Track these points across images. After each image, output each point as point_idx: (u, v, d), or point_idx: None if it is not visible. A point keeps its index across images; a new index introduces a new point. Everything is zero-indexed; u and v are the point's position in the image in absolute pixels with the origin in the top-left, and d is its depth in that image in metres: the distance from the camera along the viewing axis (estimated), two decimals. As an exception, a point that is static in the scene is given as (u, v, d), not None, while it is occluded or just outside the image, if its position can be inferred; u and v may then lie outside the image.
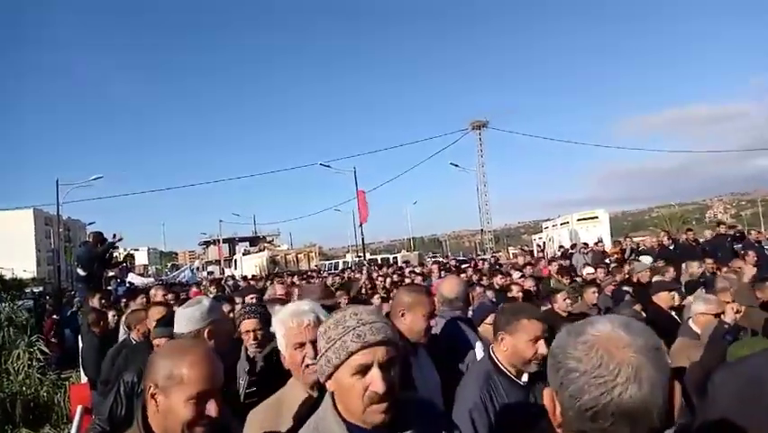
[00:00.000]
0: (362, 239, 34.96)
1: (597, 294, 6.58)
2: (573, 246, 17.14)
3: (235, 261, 42.21)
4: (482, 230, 40.78)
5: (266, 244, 45.71)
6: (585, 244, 15.85)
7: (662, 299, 5.50)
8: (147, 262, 72.19)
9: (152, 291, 7.09)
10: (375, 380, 1.47)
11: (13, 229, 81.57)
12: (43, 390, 7.96)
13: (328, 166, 36.74)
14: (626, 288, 7.15)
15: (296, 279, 16.34)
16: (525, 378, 2.53)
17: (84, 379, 6.77)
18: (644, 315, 4.69)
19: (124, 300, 8.26)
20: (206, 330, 2.82)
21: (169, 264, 62.32)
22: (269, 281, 13.69)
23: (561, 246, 20.14)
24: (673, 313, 5.33)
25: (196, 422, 1.60)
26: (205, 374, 1.62)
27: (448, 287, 3.74)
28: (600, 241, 18.23)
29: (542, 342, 2.47)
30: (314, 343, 1.86)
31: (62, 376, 8.73)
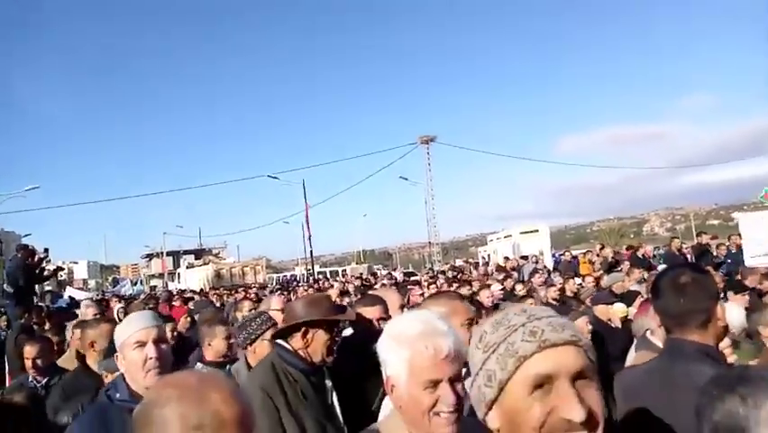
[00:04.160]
0: (311, 252, 34.81)
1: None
2: (525, 258, 18.05)
3: (179, 274, 41.10)
4: (430, 242, 41.21)
5: (211, 258, 44.64)
6: (525, 256, 16.45)
7: (600, 311, 5.76)
8: (87, 276, 69.27)
9: (83, 309, 6.74)
10: (567, 401, 0.99)
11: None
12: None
13: (276, 178, 36.52)
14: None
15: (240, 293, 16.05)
16: None
17: None
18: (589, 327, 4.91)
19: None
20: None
21: (110, 278, 59.93)
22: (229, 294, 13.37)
23: (505, 258, 20.68)
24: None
25: None
26: (243, 412, 1.12)
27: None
28: (541, 253, 19.03)
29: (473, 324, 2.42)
30: (453, 381, 1.46)
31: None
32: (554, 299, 7.89)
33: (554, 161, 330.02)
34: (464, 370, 2.38)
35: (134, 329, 2.32)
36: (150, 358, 2.24)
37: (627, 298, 6.64)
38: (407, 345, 1.48)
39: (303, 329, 2.55)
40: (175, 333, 4.89)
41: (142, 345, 2.27)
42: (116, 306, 9.95)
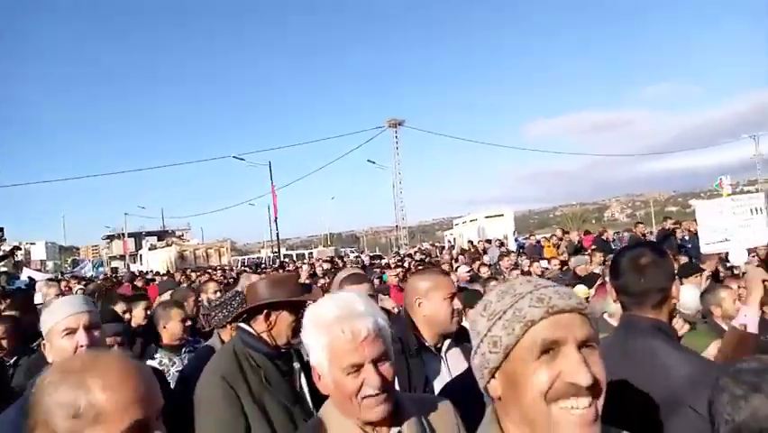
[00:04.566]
0: (277, 234, 34.52)
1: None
2: (489, 241, 18.45)
3: (141, 256, 40.28)
4: (398, 226, 41.37)
5: (174, 239, 43.81)
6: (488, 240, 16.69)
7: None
8: (44, 257, 67.22)
9: (43, 289, 6.57)
10: (574, 365, 0.99)
11: None
12: None
13: (242, 159, 35.99)
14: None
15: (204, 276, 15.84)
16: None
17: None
18: None
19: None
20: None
21: (70, 259, 58.24)
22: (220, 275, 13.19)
23: (469, 241, 20.92)
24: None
25: None
26: (133, 397, 1.03)
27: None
28: (505, 237, 19.38)
29: (456, 299, 2.49)
30: (377, 362, 1.44)
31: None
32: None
33: (519, 147, 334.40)
34: (447, 342, 2.45)
35: (63, 315, 2.13)
36: (81, 346, 2.06)
37: (589, 280, 6.82)
38: (325, 330, 1.45)
39: (265, 311, 2.40)
40: (149, 312, 4.82)
41: (72, 332, 2.10)
42: (75, 287, 9.74)
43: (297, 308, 2.51)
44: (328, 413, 1.54)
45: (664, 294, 1.87)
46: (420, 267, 9.99)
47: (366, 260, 22.83)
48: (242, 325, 2.48)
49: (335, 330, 1.43)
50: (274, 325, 2.42)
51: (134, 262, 40.02)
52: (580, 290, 5.92)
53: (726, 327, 3.25)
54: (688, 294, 4.11)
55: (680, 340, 2.45)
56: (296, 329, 2.47)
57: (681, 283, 5.24)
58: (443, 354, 2.53)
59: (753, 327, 2.68)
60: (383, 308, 3.07)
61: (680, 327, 3.29)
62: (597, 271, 7.48)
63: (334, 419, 1.51)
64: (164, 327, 3.89)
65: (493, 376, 1.07)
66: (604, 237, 14.38)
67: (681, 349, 1.83)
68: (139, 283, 11.75)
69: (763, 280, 2.83)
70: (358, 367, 1.42)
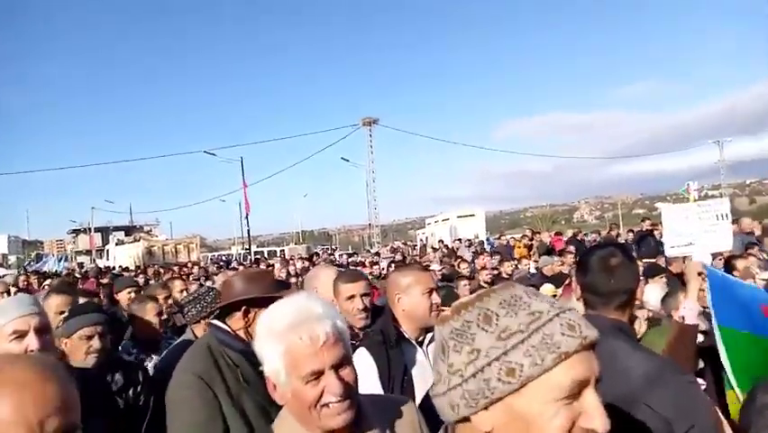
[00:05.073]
0: (248, 231, 34.17)
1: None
2: (460, 240, 18.86)
3: (108, 251, 39.45)
4: (371, 224, 41.35)
5: (142, 235, 42.97)
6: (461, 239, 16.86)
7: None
8: (6, 252, 65.22)
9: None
10: (595, 411, 0.86)
11: None
12: None
13: (213, 154, 35.57)
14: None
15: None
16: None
17: None
18: None
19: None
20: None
21: (33, 254, 56.64)
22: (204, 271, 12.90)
23: (440, 240, 21.06)
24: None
25: None
26: (20, 416, 0.87)
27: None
28: (477, 237, 19.74)
29: (435, 294, 2.53)
30: (337, 368, 1.36)
31: None
32: (486, 282, 8.08)
33: (490, 148, 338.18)
34: (429, 335, 2.44)
35: (11, 317, 1.99)
36: (32, 351, 1.95)
37: (557, 280, 6.90)
38: (280, 338, 1.35)
39: (244, 308, 2.29)
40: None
41: (21, 335, 1.98)
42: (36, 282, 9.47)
43: None
44: (284, 425, 1.45)
45: (630, 295, 1.90)
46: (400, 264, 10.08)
47: (344, 258, 22.67)
48: (216, 322, 2.36)
49: (292, 337, 1.34)
50: (252, 322, 2.31)
51: (101, 258, 39.16)
52: (548, 288, 6.00)
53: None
54: (653, 293, 4.22)
55: (639, 341, 2.52)
56: None
57: (647, 283, 5.35)
58: (425, 347, 2.55)
59: (690, 319, 2.77)
60: (374, 305, 3.05)
61: (638, 326, 3.39)
62: (565, 271, 7.58)
63: (294, 428, 1.42)
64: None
65: (486, 408, 0.87)
66: (578, 238, 14.65)
67: (641, 349, 1.85)
68: (104, 280, 11.46)
69: (699, 273, 2.92)
70: (318, 374, 1.34)
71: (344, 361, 1.38)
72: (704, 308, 2.90)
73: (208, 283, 8.27)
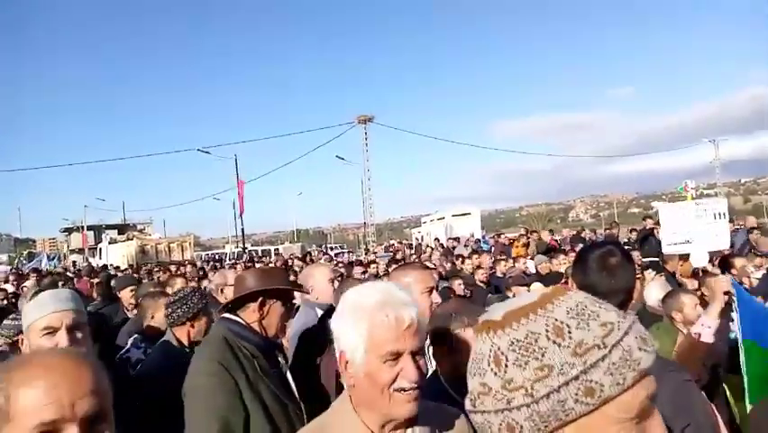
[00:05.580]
0: (242, 230, 34.10)
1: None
2: (456, 239, 19.01)
3: (101, 250, 39.25)
4: (366, 223, 41.30)
5: (135, 233, 42.76)
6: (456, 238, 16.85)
7: (516, 293, 5.91)
8: (-2, 250, 64.92)
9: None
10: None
11: None
12: None
13: (207, 152, 35.36)
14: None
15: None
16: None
17: None
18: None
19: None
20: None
21: (26, 252, 56.30)
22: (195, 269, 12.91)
23: (436, 239, 21.06)
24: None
25: None
26: (52, 398, 0.93)
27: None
28: (472, 236, 19.76)
29: (434, 293, 2.50)
30: (415, 354, 1.35)
31: None
32: (482, 282, 8.08)
33: (486, 147, 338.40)
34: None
35: (45, 312, 1.98)
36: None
37: (550, 279, 6.87)
38: (366, 314, 1.34)
39: (260, 300, 2.34)
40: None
41: (53, 331, 1.96)
42: (30, 281, 9.36)
43: (287, 302, 2.49)
44: (340, 413, 1.43)
45: (628, 295, 1.89)
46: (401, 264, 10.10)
47: (343, 257, 22.56)
48: (228, 315, 2.40)
49: (379, 315, 1.33)
50: (266, 315, 2.37)
51: (94, 256, 38.94)
52: (537, 287, 5.97)
53: (684, 331, 3.34)
54: (655, 291, 4.21)
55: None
56: (284, 324, 2.50)
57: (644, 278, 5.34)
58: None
59: (707, 337, 2.77)
60: None
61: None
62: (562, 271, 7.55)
63: (348, 417, 1.40)
64: (152, 317, 3.76)
65: (559, 428, 0.77)
66: (582, 236, 14.71)
67: None
68: (97, 279, 11.35)
69: (725, 292, 2.91)
70: (397, 356, 1.33)
71: (421, 351, 1.38)
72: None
73: (204, 283, 8.21)
